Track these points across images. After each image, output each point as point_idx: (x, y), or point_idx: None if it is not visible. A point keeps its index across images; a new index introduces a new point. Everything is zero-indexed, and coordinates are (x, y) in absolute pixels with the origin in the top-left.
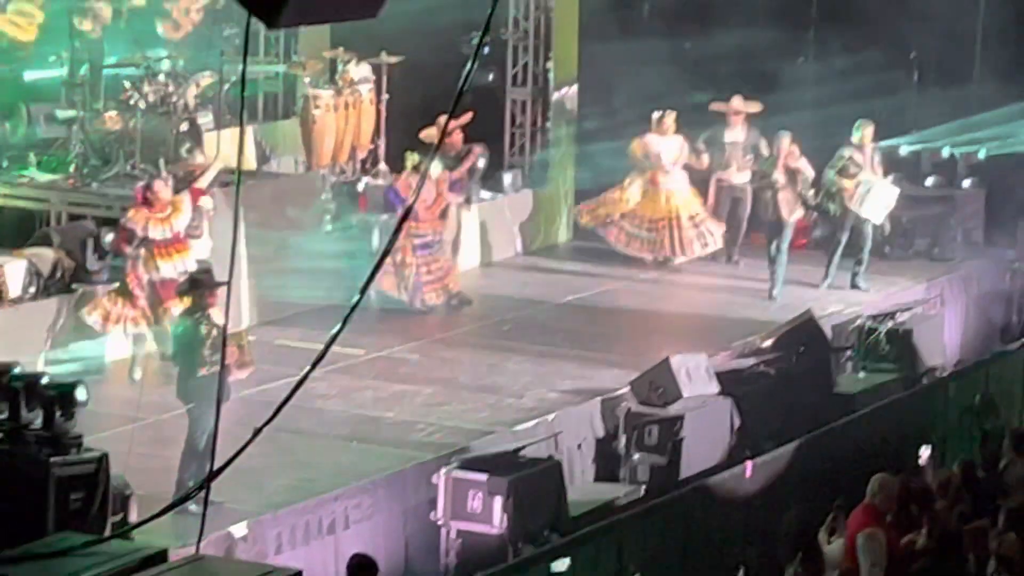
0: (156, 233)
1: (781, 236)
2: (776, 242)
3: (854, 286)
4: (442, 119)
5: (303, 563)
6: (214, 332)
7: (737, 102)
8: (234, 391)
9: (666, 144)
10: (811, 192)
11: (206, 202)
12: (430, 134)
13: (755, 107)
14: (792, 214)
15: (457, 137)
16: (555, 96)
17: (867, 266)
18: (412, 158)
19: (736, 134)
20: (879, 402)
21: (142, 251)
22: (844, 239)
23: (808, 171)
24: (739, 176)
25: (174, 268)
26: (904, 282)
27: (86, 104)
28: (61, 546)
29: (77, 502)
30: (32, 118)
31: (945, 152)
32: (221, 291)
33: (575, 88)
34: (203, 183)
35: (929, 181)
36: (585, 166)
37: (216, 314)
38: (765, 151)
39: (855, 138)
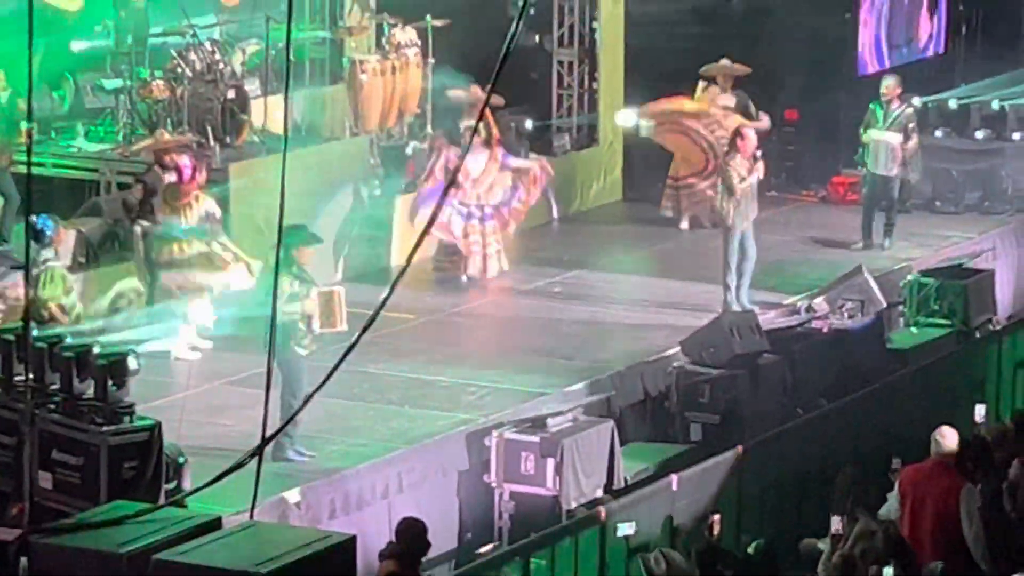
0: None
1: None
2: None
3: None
4: (475, 89)
5: (357, 528)
6: (304, 288)
7: (725, 64)
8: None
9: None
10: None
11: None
12: (459, 95)
13: (742, 70)
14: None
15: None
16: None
17: (891, 223)
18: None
19: (726, 98)
20: (932, 357)
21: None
22: (866, 194)
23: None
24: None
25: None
26: (955, 236)
27: (132, 73)
28: (115, 514)
29: (130, 470)
30: (79, 88)
31: (995, 105)
32: (314, 249)
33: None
34: None
35: (979, 134)
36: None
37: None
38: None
39: (881, 92)
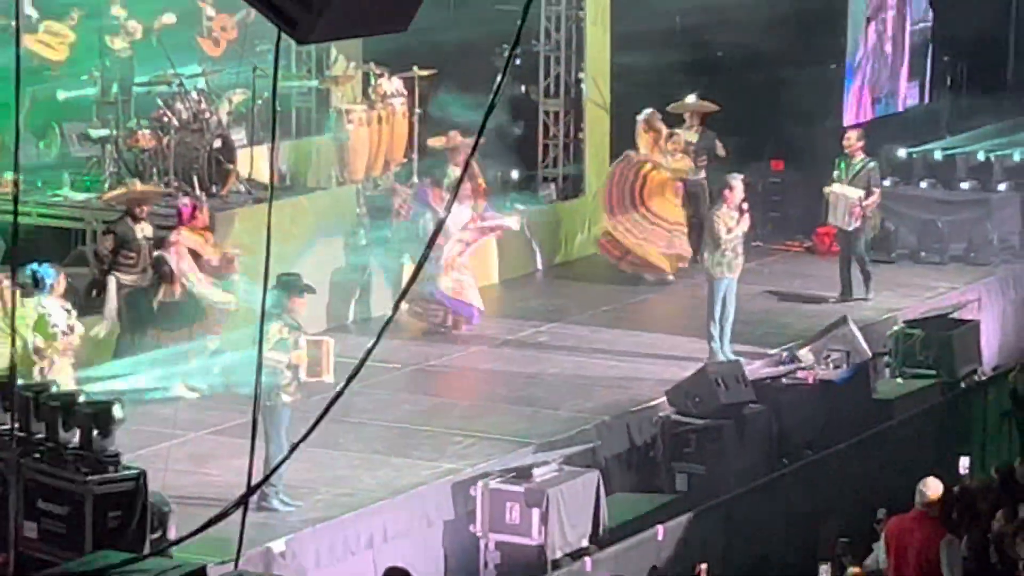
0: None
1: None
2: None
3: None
4: (454, 134)
5: None
6: (293, 335)
7: (692, 101)
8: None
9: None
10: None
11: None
12: (439, 141)
13: (709, 107)
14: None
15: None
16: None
17: (867, 274)
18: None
19: (690, 135)
20: (918, 408)
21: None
22: (840, 247)
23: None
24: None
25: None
26: (941, 287)
27: (118, 122)
28: (99, 564)
29: (115, 520)
30: (65, 137)
31: (980, 156)
32: (306, 299)
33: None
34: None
35: (964, 185)
36: None
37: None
38: (721, 152)
39: (843, 145)
